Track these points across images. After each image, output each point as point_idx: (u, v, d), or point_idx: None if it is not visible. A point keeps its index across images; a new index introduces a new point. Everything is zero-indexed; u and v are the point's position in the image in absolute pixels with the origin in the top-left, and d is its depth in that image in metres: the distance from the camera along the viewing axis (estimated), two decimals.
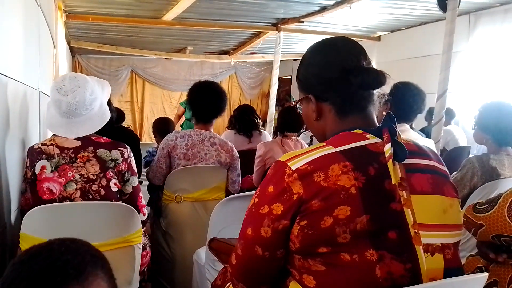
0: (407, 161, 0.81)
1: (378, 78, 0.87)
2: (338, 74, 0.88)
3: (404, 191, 0.78)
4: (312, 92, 0.93)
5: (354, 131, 0.86)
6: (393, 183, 0.78)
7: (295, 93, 8.23)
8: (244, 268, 0.88)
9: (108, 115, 1.58)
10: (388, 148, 0.80)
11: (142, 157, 2.80)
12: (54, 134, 1.58)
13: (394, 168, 0.79)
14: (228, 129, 3.25)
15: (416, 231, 0.77)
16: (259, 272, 0.86)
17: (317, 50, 0.96)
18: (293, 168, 0.80)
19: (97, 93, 1.55)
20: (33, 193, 1.49)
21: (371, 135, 0.85)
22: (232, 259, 0.90)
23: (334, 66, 0.90)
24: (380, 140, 0.83)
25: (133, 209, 1.48)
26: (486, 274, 0.85)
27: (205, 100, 2.21)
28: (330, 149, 0.82)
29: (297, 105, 0.98)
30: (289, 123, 2.65)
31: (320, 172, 0.78)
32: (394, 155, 0.80)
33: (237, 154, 2.30)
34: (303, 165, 0.80)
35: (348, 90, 0.88)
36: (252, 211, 0.85)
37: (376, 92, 0.92)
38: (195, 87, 2.28)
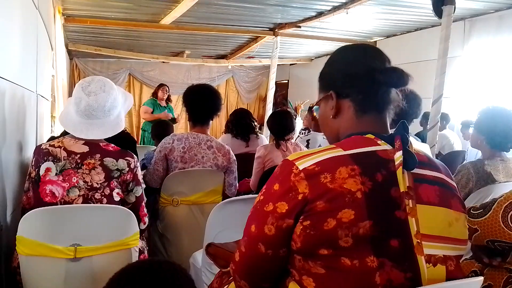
0: (416, 171, 0.82)
1: (403, 77, 0.87)
2: (363, 71, 0.89)
3: (410, 200, 0.78)
4: (334, 88, 0.93)
5: (366, 135, 0.86)
6: (401, 190, 0.78)
7: (292, 97, 8.25)
8: (247, 265, 0.88)
9: (122, 126, 1.57)
10: (398, 156, 0.80)
11: (139, 160, 2.80)
12: (63, 136, 1.58)
13: (403, 176, 0.79)
14: (225, 133, 3.25)
15: (418, 240, 0.77)
16: (261, 270, 0.86)
17: (344, 49, 0.98)
18: (301, 167, 0.80)
19: (118, 103, 1.56)
20: (35, 194, 1.48)
21: (382, 141, 0.84)
22: (235, 256, 0.90)
23: (360, 63, 0.91)
24: (391, 148, 0.83)
25: (130, 212, 1.48)
26: (482, 278, 0.86)
27: (200, 100, 2.23)
28: (340, 152, 0.82)
29: (314, 108, 1.02)
30: (282, 127, 2.64)
31: (327, 173, 0.78)
32: (404, 163, 0.80)
33: (234, 158, 2.31)
34: (311, 165, 0.80)
35: (371, 89, 0.89)
36: (257, 208, 0.85)
37: (394, 98, 0.92)
38: (189, 90, 2.30)
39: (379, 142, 0.84)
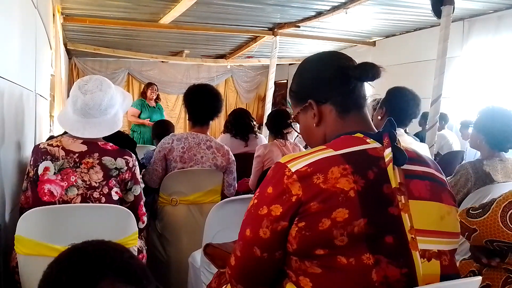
0: (406, 167, 0.82)
1: (375, 69, 0.89)
2: (335, 73, 0.91)
3: (402, 196, 0.79)
4: (311, 96, 0.94)
5: (355, 135, 0.87)
6: (393, 186, 0.79)
7: None
8: (243, 269, 0.88)
9: (119, 126, 1.57)
10: (388, 153, 0.81)
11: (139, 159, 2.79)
12: (61, 135, 1.58)
13: (394, 172, 0.80)
14: (224, 133, 3.25)
15: (413, 236, 0.77)
16: (257, 273, 0.87)
17: (309, 60, 1.00)
18: (293, 169, 0.80)
19: (116, 102, 1.56)
20: (33, 193, 1.48)
21: (371, 139, 0.85)
22: (231, 260, 0.90)
23: (329, 66, 0.93)
24: (380, 145, 0.84)
25: (129, 211, 1.48)
26: (480, 278, 0.86)
27: (201, 101, 2.23)
28: (331, 152, 0.82)
29: (292, 124, 1.04)
30: (281, 120, 2.70)
31: (320, 174, 0.78)
32: (394, 159, 0.80)
33: (233, 158, 2.31)
34: (303, 167, 0.80)
35: (347, 88, 0.91)
36: (251, 212, 0.85)
37: (368, 95, 0.94)
38: (191, 90, 2.30)
39: (368, 140, 0.85)
